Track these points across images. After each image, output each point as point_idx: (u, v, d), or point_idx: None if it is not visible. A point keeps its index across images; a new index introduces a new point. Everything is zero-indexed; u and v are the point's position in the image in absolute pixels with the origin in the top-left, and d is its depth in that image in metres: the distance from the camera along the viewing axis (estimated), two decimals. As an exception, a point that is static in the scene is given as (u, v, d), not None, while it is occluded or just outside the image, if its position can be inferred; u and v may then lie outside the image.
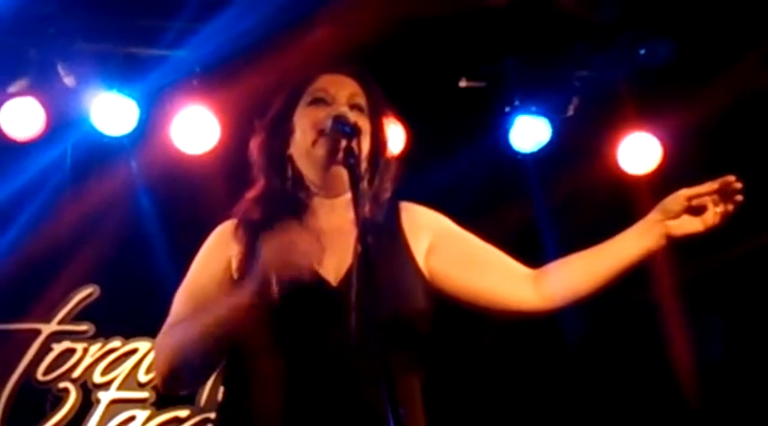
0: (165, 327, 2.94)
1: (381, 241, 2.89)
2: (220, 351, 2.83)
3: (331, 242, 2.85)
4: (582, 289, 3.00)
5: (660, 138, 6.39)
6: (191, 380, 2.98)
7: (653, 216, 2.98)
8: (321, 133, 2.91)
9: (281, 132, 3.05)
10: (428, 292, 2.94)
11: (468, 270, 3.01)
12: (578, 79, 6.41)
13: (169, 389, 2.93)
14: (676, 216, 2.94)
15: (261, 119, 3.14)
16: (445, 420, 3.14)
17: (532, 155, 6.36)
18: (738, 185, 2.88)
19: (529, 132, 6.30)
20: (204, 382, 2.79)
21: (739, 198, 2.88)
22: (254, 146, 3.11)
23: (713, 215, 2.91)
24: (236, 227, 2.99)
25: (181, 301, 2.99)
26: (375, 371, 2.38)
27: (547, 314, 3.04)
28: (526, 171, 6.48)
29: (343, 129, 2.81)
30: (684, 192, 2.92)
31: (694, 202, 2.91)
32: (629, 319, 6.47)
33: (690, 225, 2.93)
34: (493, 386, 6.44)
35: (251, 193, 3.06)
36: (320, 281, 2.77)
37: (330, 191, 2.92)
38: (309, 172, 2.96)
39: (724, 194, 2.89)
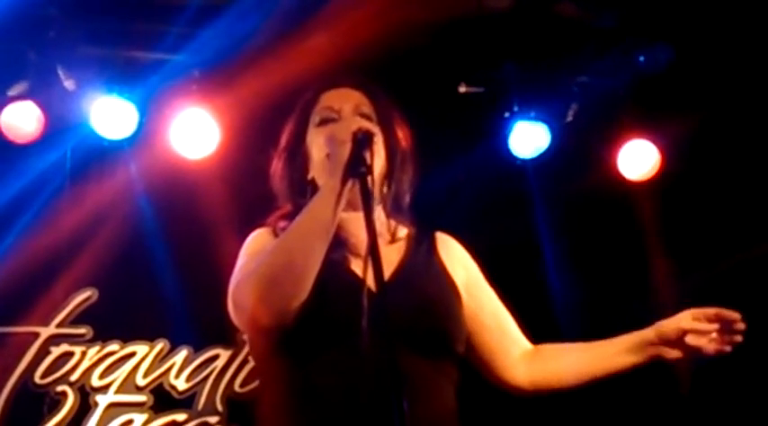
0: (240, 278, 2.82)
1: (419, 253, 2.96)
2: (309, 265, 2.69)
3: (364, 253, 2.84)
4: (566, 383, 3.07)
5: (659, 144, 6.39)
6: (280, 304, 2.69)
7: (648, 335, 2.99)
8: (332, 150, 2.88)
9: (297, 158, 3.06)
10: (462, 309, 2.96)
11: (479, 326, 3.04)
12: (578, 85, 6.42)
13: (256, 320, 2.71)
14: (670, 344, 2.95)
15: (274, 146, 3.15)
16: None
17: (532, 160, 6.37)
18: (741, 326, 2.90)
19: (528, 138, 6.30)
20: (289, 316, 2.61)
21: (739, 338, 2.90)
22: (275, 174, 3.11)
23: (710, 345, 2.93)
24: (273, 231, 2.97)
25: (249, 264, 2.85)
26: (385, 375, 2.37)
27: (529, 395, 3.11)
28: (525, 176, 6.48)
29: (361, 139, 2.78)
30: (684, 325, 2.93)
31: (690, 336, 2.92)
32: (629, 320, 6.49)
33: (691, 350, 2.95)
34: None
35: (279, 213, 3.05)
36: (356, 284, 2.73)
37: (355, 205, 2.81)
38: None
39: (724, 331, 2.91)
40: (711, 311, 2.92)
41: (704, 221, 6.56)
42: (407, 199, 3.08)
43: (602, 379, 3.04)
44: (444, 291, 2.93)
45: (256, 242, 2.97)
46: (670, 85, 6.26)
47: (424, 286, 2.87)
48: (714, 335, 2.92)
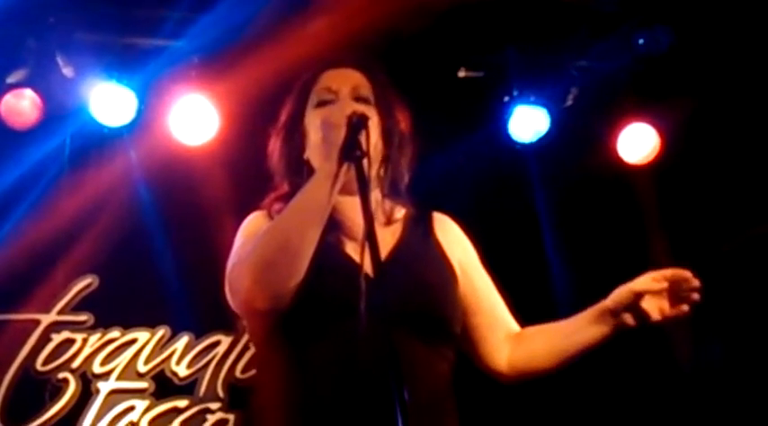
0: (235, 262, 2.83)
1: (415, 234, 2.96)
2: (304, 245, 2.69)
3: (359, 236, 2.84)
4: (541, 364, 3.06)
5: (659, 128, 6.39)
6: (275, 286, 2.68)
7: (606, 303, 2.98)
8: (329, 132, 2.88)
9: (295, 138, 3.05)
10: (458, 290, 2.96)
11: (471, 308, 3.04)
12: (577, 69, 6.41)
13: (251, 302, 2.71)
14: (628, 309, 2.93)
15: (273, 124, 3.14)
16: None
17: (531, 144, 6.36)
18: (695, 283, 2.89)
19: (528, 122, 6.30)
20: (284, 298, 2.60)
21: (696, 296, 2.89)
22: (272, 152, 3.11)
23: (666, 306, 2.92)
24: (269, 214, 2.97)
25: (245, 246, 2.85)
26: (383, 358, 2.38)
27: (510, 381, 3.09)
28: (525, 161, 6.48)
29: (356, 123, 2.78)
30: (633, 287, 2.92)
31: (646, 299, 2.91)
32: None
33: (645, 315, 2.93)
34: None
35: (275, 194, 3.05)
36: (352, 267, 2.75)
37: (350, 189, 2.79)
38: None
39: (676, 293, 2.90)
40: (669, 272, 2.91)
41: (703, 204, 6.57)
42: (405, 181, 3.08)
43: (575, 357, 3.02)
44: (441, 272, 2.94)
45: (251, 225, 2.97)
46: (670, 69, 6.25)
47: (420, 267, 2.88)
48: (668, 294, 2.91)
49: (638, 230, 6.62)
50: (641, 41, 6.11)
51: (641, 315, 2.92)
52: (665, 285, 2.90)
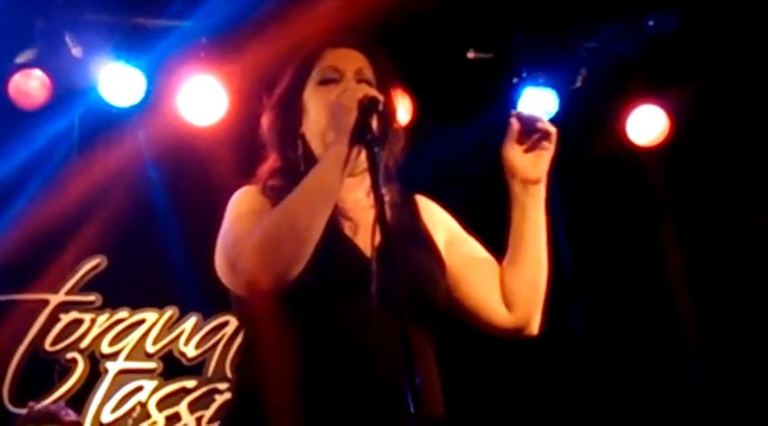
0: (234, 240, 2.79)
1: (402, 221, 2.93)
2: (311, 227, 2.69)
3: (355, 217, 2.86)
4: (525, 292, 3.00)
5: (668, 109, 6.38)
6: (281, 267, 2.67)
7: (511, 186, 3.02)
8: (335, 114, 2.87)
9: (292, 110, 3.02)
10: (445, 276, 2.95)
11: (466, 276, 3.01)
12: (586, 50, 6.40)
13: (255, 282, 2.69)
14: (517, 171, 3.00)
15: (269, 96, 3.12)
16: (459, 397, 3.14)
17: (540, 126, 6.36)
18: (542, 125, 3.00)
19: (536, 103, 6.29)
20: (289, 279, 2.59)
21: (543, 126, 3.00)
22: (265, 123, 3.09)
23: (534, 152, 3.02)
24: (262, 190, 2.94)
25: (241, 223, 2.83)
26: (393, 341, 2.38)
27: (517, 332, 3.03)
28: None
29: (368, 106, 2.77)
30: (504, 154, 3.02)
31: (516, 158, 2.99)
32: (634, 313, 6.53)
33: (532, 169, 3.00)
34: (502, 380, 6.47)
35: (267, 167, 3.04)
36: (352, 249, 2.78)
37: (350, 171, 2.80)
38: (324, 152, 2.93)
39: (530, 132, 2.99)
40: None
41: (713, 186, 6.56)
42: (396, 167, 3.07)
43: (541, 246, 3.01)
44: (428, 256, 2.93)
45: (244, 201, 2.94)
46: (678, 51, 6.24)
47: (410, 253, 2.86)
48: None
49: (647, 212, 6.62)
50: (650, 23, 6.09)
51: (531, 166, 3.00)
52: (516, 127, 3.00)
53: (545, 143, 3.00)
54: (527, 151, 3.00)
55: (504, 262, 3.02)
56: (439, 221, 3.08)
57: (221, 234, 2.87)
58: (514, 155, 3.00)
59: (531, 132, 2.99)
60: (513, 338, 3.05)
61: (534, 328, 3.03)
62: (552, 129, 3.00)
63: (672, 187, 6.56)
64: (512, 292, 2.99)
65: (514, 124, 3.01)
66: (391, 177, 3.03)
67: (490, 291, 3.01)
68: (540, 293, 3.02)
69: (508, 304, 2.99)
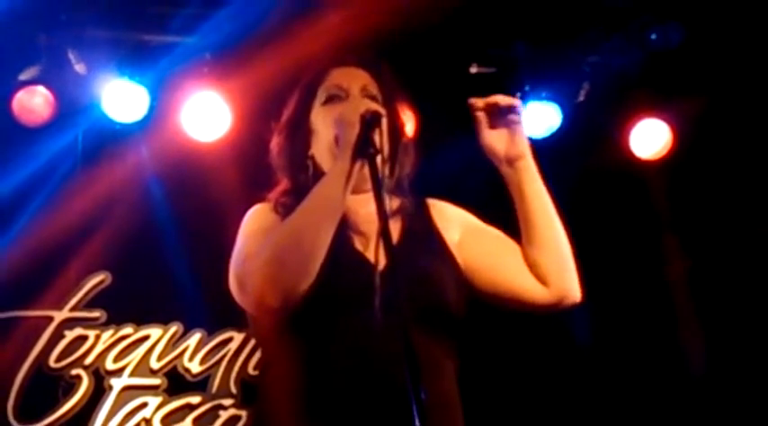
0: (244, 258, 2.81)
1: (415, 230, 2.95)
2: (315, 248, 2.70)
3: (367, 231, 2.86)
4: (554, 250, 3.03)
5: (671, 123, 6.38)
6: (288, 284, 2.67)
7: (503, 172, 3.10)
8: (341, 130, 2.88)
9: (300, 133, 3.05)
10: (462, 281, 2.95)
11: (490, 264, 3.02)
12: (589, 64, 6.40)
13: (262, 300, 2.70)
14: (499, 153, 3.06)
15: (276, 120, 3.14)
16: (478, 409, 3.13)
17: (543, 140, 6.35)
18: (506, 101, 3.01)
19: (539, 118, 6.29)
20: (296, 296, 2.60)
21: (507, 102, 3.01)
22: (274, 149, 3.10)
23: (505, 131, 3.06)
24: (274, 208, 2.96)
25: (251, 241, 2.85)
26: (398, 354, 2.37)
27: (560, 304, 3.03)
28: (536, 156, 6.46)
29: (369, 120, 2.78)
30: (481, 141, 3.07)
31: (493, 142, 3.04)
32: (637, 318, 6.52)
33: (511, 145, 3.07)
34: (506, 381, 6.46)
35: (278, 189, 3.05)
36: (362, 262, 2.79)
37: (357, 187, 2.83)
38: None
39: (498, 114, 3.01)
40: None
41: (716, 199, 6.56)
42: (410, 179, 3.09)
43: (547, 213, 3.08)
44: (440, 263, 2.93)
45: (257, 219, 2.96)
46: (682, 64, 6.24)
47: (424, 261, 2.88)
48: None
49: (650, 225, 6.61)
50: (653, 37, 6.09)
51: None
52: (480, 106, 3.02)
53: (513, 117, 3.02)
54: (500, 131, 3.04)
55: (523, 245, 3.03)
56: (453, 220, 3.10)
57: (234, 252, 2.89)
58: (491, 139, 3.04)
59: (496, 113, 3.01)
60: (561, 311, 3.06)
61: (576, 295, 3.05)
62: (515, 101, 3.03)
63: (675, 201, 6.57)
64: (540, 268, 3.00)
65: (478, 114, 3.03)
66: (404, 189, 3.04)
67: (521, 273, 3.01)
68: (567, 259, 3.04)
69: (542, 280, 3.00)
